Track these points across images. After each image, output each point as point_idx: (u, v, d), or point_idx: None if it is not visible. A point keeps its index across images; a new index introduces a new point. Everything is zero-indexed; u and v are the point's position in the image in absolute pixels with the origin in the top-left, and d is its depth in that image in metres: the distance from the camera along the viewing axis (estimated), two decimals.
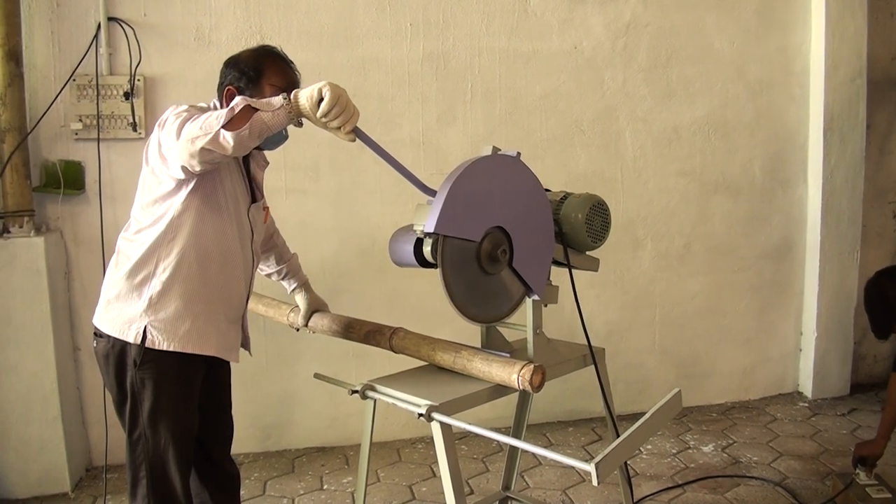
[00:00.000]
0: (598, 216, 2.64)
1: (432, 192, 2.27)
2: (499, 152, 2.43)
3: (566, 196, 2.66)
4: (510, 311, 2.52)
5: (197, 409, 2.48)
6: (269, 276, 2.95)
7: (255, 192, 2.57)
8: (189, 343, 2.35)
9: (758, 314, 4.96)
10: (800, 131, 4.89)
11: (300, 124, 2.09)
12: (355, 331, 2.72)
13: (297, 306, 2.94)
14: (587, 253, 2.76)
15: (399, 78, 4.23)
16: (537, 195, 2.49)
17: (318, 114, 1.98)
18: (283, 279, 2.94)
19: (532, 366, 2.22)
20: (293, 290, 2.94)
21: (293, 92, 2.03)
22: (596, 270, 2.83)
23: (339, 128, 2.04)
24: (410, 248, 2.35)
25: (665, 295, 4.78)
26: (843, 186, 4.84)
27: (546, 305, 2.61)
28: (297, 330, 2.97)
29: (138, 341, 2.31)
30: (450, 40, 4.27)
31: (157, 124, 2.30)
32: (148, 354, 2.32)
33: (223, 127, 1.99)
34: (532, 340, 2.57)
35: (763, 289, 4.95)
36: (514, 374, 2.24)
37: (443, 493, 2.27)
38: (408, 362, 2.62)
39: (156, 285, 2.33)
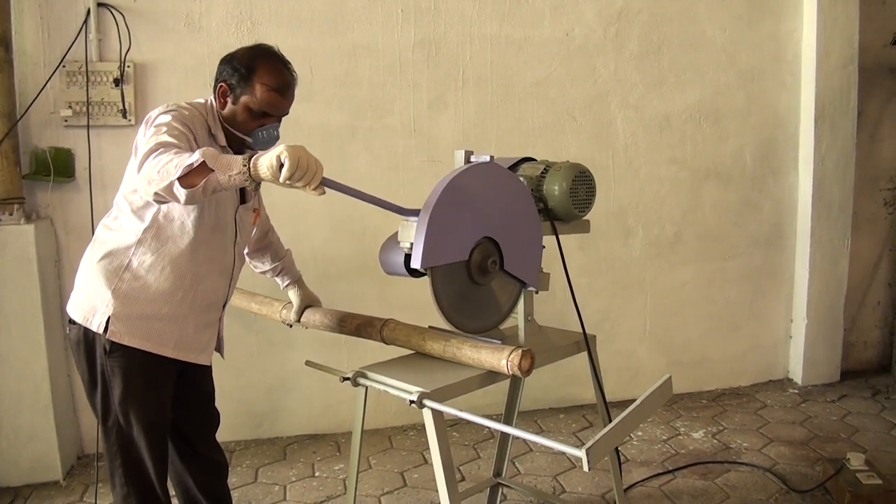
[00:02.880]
0: (582, 185, 2.62)
1: (415, 213, 2.27)
2: (472, 156, 2.43)
3: (547, 168, 2.65)
4: (503, 318, 2.54)
5: (169, 401, 2.48)
6: (263, 273, 2.95)
7: (244, 194, 2.56)
8: (148, 341, 2.35)
9: (748, 301, 4.98)
10: (791, 119, 4.90)
11: (257, 188, 2.02)
12: (347, 324, 2.73)
13: (290, 302, 2.94)
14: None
15: (390, 64, 4.21)
16: (518, 192, 2.47)
17: (281, 180, 1.90)
18: (276, 276, 2.95)
19: (520, 350, 2.24)
20: (286, 286, 2.95)
21: (253, 158, 1.94)
22: (587, 231, 2.81)
23: (305, 187, 1.97)
24: (400, 259, 2.37)
25: (656, 282, 4.79)
26: (833, 174, 4.85)
27: (537, 292, 2.62)
28: (290, 326, 2.97)
29: (101, 331, 2.31)
30: (441, 26, 4.26)
31: (144, 121, 2.29)
32: (116, 344, 2.32)
33: (178, 179, 1.94)
34: (523, 327, 2.58)
35: (754, 276, 4.96)
36: (503, 360, 2.25)
37: (434, 479, 2.28)
38: (399, 349, 2.63)
39: (127, 278, 2.33)
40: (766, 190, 4.91)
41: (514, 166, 2.73)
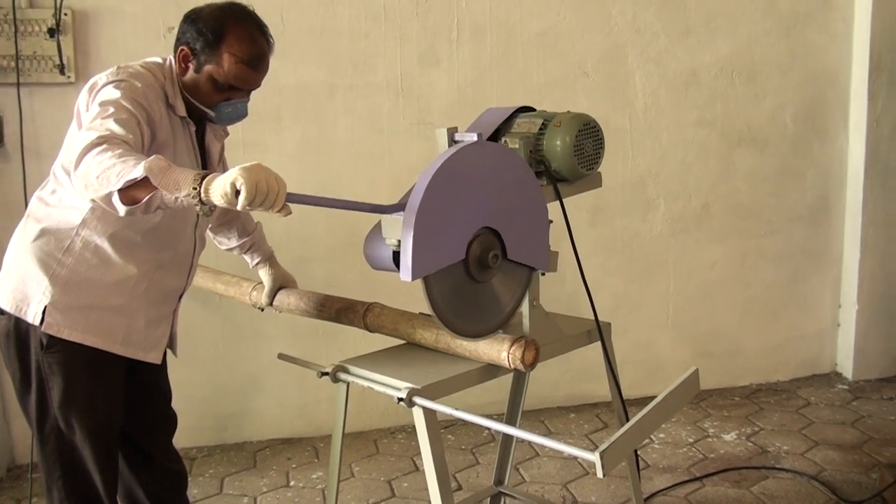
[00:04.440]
0: (588, 139, 2.58)
1: (399, 208, 2.24)
2: (455, 135, 2.39)
3: (546, 123, 2.61)
4: (512, 313, 2.53)
5: (120, 402, 2.47)
6: (230, 250, 2.94)
7: (206, 162, 2.54)
8: (93, 336, 2.34)
9: (788, 284, 4.99)
10: (841, 72, 4.88)
11: (211, 212, 1.97)
12: (326, 309, 2.73)
13: (261, 283, 2.94)
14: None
15: (374, 12, 4.18)
16: (515, 167, 2.43)
17: (239, 208, 1.85)
18: (244, 253, 2.93)
19: (523, 341, 2.24)
20: (256, 264, 2.94)
21: (205, 181, 1.87)
22: (599, 186, 2.77)
23: (269, 210, 1.92)
24: (388, 254, 2.35)
25: (680, 263, 4.79)
26: (891, 136, 4.83)
27: (544, 274, 2.60)
28: (262, 310, 2.98)
29: (36, 322, 2.29)
30: None
31: (88, 87, 2.26)
32: (54, 338, 2.30)
33: (119, 191, 1.90)
34: (528, 314, 2.57)
35: (795, 255, 4.97)
36: (503, 352, 2.26)
37: (426, 488, 2.28)
38: (385, 340, 2.63)
39: (69, 263, 2.31)
40: (810, 156, 4.91)
41: (508, 119, 2.71)
